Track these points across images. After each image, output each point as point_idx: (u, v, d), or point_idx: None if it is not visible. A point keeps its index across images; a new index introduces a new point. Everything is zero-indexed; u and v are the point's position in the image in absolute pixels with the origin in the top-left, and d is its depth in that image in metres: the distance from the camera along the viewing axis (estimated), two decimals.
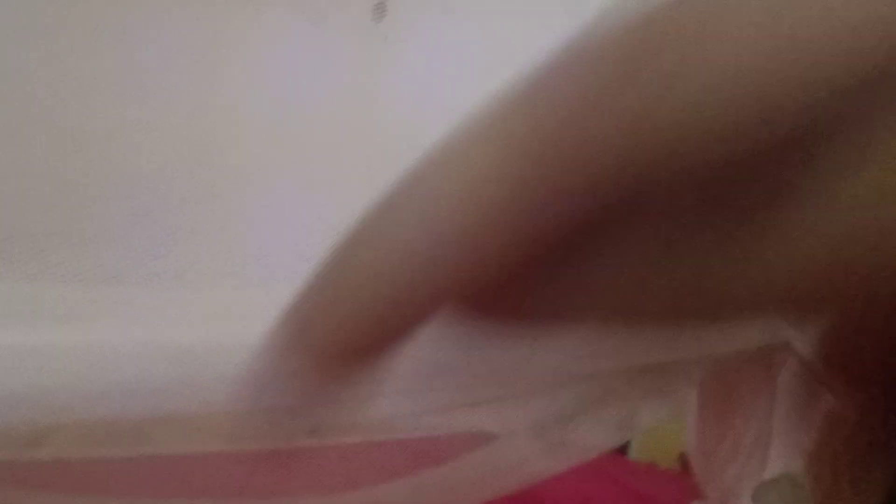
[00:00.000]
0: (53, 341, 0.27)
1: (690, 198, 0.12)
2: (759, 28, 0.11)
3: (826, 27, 0.11)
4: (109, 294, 0.29)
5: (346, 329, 0.13)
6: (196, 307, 0.31)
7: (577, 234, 0.13)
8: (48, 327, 0.27)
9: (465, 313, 0.14)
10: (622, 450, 0.85)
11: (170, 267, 0.30)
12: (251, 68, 0.37)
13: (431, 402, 0.35)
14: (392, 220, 0.13)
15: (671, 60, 0.11)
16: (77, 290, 0.29)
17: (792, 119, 0.11)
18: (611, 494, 0.56)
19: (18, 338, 0.27)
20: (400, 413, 0.36)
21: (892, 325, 0.13)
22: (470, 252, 0.12)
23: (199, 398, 0.29)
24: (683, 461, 0.70)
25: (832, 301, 0.13)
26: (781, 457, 0.42)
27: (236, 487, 0.37)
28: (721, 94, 0.11)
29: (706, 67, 0.11)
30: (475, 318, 0.14)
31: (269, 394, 0.15)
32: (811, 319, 0.15)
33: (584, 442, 0.36)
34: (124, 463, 0.36)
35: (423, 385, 0.32)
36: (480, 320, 0.14)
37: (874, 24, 0.11)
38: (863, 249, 0.12)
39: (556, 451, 0.35)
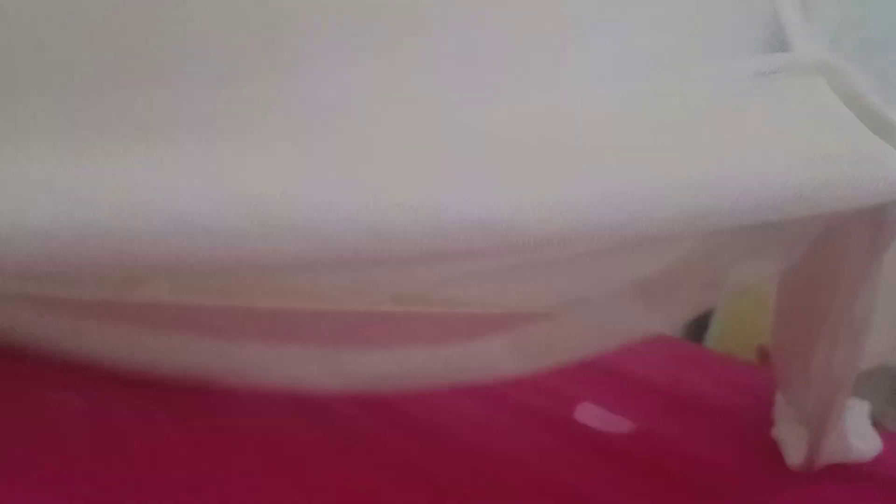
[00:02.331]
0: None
1: None
2: None
3: None
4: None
5: None
6: None
7: None
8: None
9: None
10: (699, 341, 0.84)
11: None
12: None
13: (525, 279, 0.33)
14: None
15: None
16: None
17: None
18: (695, 376, 0.56)
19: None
20: (486, 292, 0.35)
21: None
22: None
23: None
24: (762, 354, 0.68)
25: None
26: (881, 346, 0.39)
27: (330, 339, 0.38)
28: None
29: None
30: None
31: None
32: None
33: (680, 300, 0.34)
34: (217, 310, 0.36)
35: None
36: None
37: None
38: None
39: (656, 309, 0.34)
